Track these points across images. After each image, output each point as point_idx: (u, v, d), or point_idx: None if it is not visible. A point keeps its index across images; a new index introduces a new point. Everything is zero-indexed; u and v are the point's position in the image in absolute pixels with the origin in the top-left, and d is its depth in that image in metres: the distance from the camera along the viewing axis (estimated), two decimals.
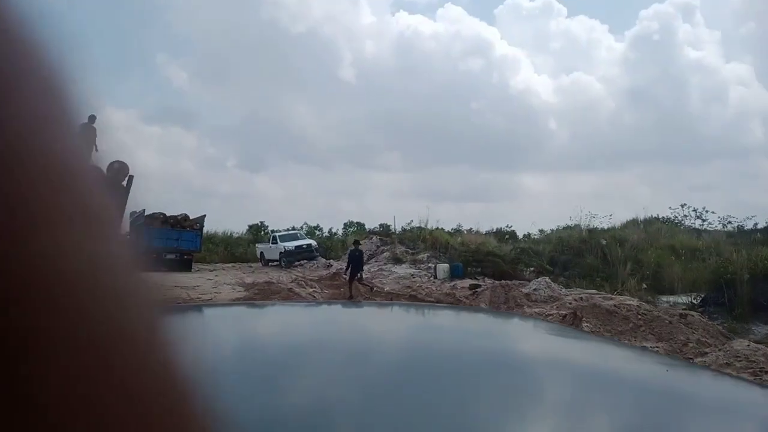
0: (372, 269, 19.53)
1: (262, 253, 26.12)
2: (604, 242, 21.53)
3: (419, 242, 21.83)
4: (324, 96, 59.68)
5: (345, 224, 41.14)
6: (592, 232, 23.92)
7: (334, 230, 41.73)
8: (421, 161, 57.55)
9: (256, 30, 56.35)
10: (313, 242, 24.76)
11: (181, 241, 22.18)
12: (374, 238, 23.73)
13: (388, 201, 51.55)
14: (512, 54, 65.25)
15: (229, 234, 35.87)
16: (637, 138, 55.17)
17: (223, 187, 55.90)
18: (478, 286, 13.05)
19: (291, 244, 23.51)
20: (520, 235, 27.87)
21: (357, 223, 39.88)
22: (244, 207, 61.57)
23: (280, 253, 23.48)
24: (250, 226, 38.64)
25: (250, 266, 26.49)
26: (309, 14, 58.03)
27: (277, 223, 35.30)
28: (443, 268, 16.35)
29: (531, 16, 71.30)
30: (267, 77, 57.86)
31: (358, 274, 13.39)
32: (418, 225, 24.45)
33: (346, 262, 14.52)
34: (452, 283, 14.56)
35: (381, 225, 27.86)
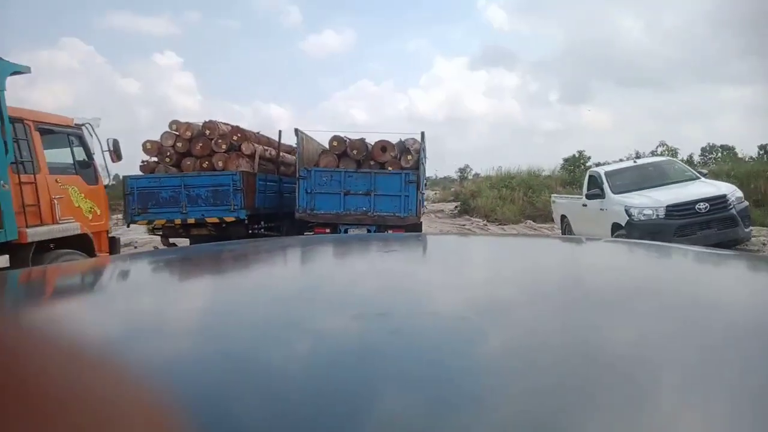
0: None
1: (564, 218, 10.88)
2: None
3: None
4: (655, 3, 42.74)
5: (702, 149, 32.94)
6: None
7: (685, 157, 27.68)
8: None
9: None
10: (732, 191, 8.06)
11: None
12: None
13: (744, 121, 36.05)
14: None
15: (536, 172, 22.85)
16: None
17: (546, 124, 48.89)
18: None
19: (656, 203, 7.70)
20: None
21: (721, 146, 32.49)
22: (566, 143, 58.64)
23: (618, 226, 7.94)
24: (565, 160, 26.51)
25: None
26: None
27: (602, 156, 20.62)
28: None
29: None
30: None
31: None
32: None
33: None
34: None
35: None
